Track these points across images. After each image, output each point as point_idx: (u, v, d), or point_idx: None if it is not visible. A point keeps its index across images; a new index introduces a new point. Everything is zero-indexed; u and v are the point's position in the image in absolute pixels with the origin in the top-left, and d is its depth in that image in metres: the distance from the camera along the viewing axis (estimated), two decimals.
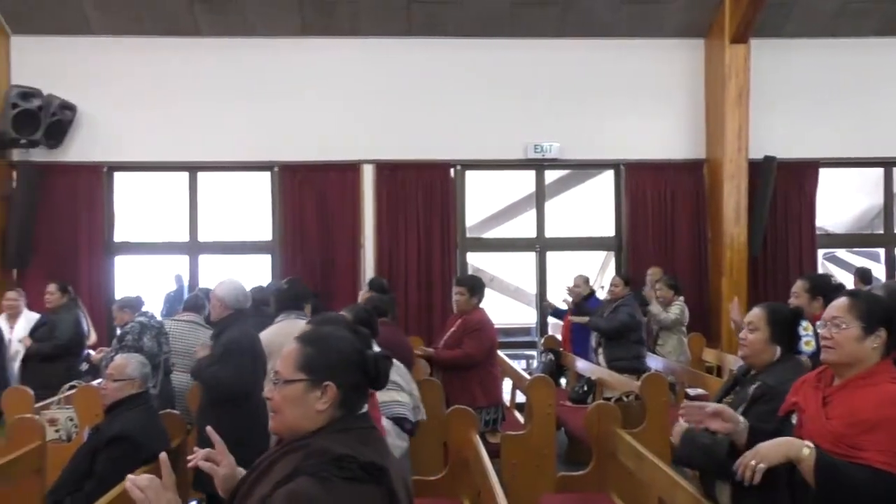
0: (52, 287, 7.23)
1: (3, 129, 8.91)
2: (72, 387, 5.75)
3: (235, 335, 4.53)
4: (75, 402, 5.36)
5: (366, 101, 9.48)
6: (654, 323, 7.96)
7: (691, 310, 8.37)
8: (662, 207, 9.72)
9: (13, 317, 7.34)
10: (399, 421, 3.33)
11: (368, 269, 9.44)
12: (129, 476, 2.00)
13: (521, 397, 7.21)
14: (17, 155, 9.31)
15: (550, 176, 10.38)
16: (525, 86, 9.62)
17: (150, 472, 3.99)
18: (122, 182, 9.84)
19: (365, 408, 2.05)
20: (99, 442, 4.06)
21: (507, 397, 7.69)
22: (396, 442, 3.34)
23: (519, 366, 8.13)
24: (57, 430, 5.20)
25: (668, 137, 9.77)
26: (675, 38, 9.71)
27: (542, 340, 8.87)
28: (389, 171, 9.56)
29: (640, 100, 9.73)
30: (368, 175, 9.57)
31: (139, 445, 4.01)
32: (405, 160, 9.53)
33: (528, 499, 4.77)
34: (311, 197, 9.48)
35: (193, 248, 9.87)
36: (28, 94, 8.89)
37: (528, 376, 6.58)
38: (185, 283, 9.72)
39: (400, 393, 3.45)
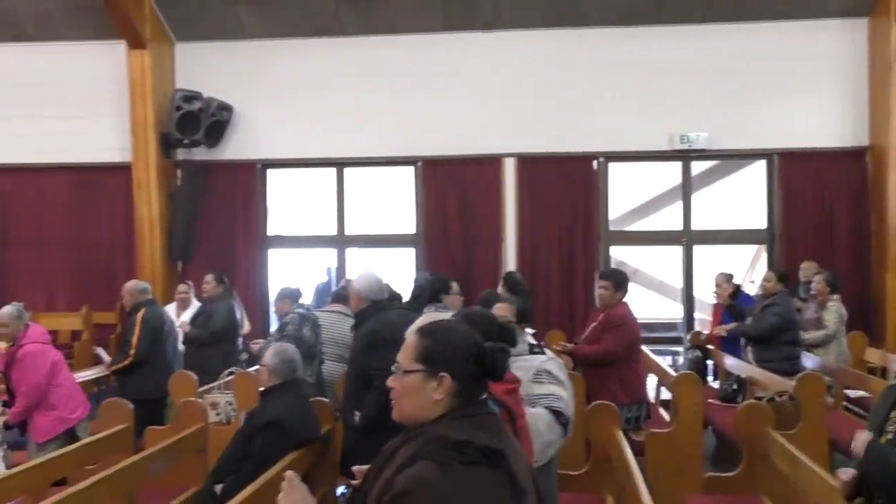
0: (208, 277, 7.64)
1: (168, 130, 9.55)
2: (230, 373, 6.08)
3: (376, 327, 4.62)
4: (234, 388, 5.66)
5: (507, 95, 9.50)
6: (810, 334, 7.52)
7: (851, 307, 7.90)
8: (820, 198, 9.22)
9: (183, 307, 7.82)
10: (556, 414, 3.35)
11: (510, 263, 9.46)
12: (289, 473, 2.14)
13: (666, 394, 7.03)
14: (181, 154, 9.93)
15: (698, 167, 10.05)
16: (671, 74, 9.36)
17: (301, 456, 4.19)
18: (275, 178, 10.30)
19: (483, 395, 2.09)
20: (254, 426, 4.27)
21: (651, 394, 7.52)
22: (548, 437, 3.35)
23: (664, 362, 7.93)
24: (218, 414, 5.50)
25: (826, 124, 9.24)
26: (833, 19, 9.17)
27: (689, 336, 8.61)
28: (531, 165, 9.53)
29: (795, 85, 9.26)
30: (510, 168, 9.59)
31: (291, 430, 4.19)
32: (547, 153, 9.48)
33: (673, 499, 4.65)
34: (453, 191, 9.60)
35: (340, 241, 10.20)
36: (190, 97, 9.46)
37: (673, 373, 6.41)
38: (334, 276, 10.08)
39: (560, 387, 3.46)
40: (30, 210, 10.26)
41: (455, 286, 6.96)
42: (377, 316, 4.74)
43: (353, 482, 2.31)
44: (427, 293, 6.98)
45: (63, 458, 4.34)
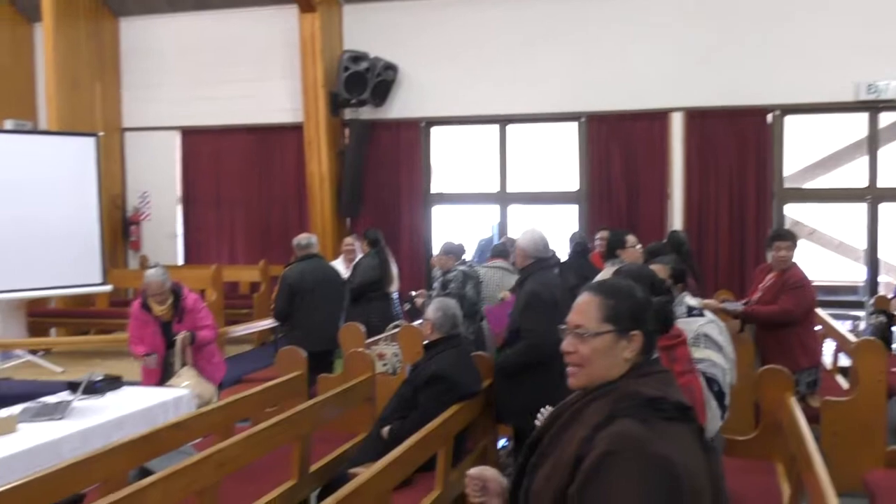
0: (350, 239, 7.96)
1: (337, 90, 9.86)
2: (396, 326, 6.27)
3: (536, 288, 4.61)
4: (400, 340, 5.84)
5: (674, 46, 9.12)
6: None
7: None
8: None
9: (350, 260, 8.11)
10: (709, 382, 3.20)
11: (675, 221, 9.17)
12: (471, 472, 2.16)
13: (844, 361, 6.64)
14: (348, 114, 10.24)
15: (886, 119, 9.29)
16: (856, 16, 8.65)
17: (463, 409, 4.28)
18: (438, 136, 10.43)
19: (656, 353, 2.05)
20: (418, 379, 4.40)
21: (827, 360, 7.11)
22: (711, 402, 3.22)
23: (843, 327, 7.47)
24: (384, 364, 5.70)
25: None
26: None
27: (873, 300, 8.05)
28: (700, 119, 9.14)
29: None
30: (677, 123, 9.24)
31: (455, 384, 4.29)
32: (717, 107, 9.05)
33: (851, 471, 4.40)
34: (617, 147, 9.38)
35: (503, 198, 10.23)
36: (357, 57, 9.72)
37: (853, 338, 6.03)
38: (496, 232, 10.15)
39: (717, 353, 3.30)
40: (211, 169, 10.96)
41: (631, 239, 6.79)
42: (539, 275, 4.72)
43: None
44: (581, 249, 6.92)
45: (246, 399, 4.65)
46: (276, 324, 7.67)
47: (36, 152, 8.49)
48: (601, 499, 1.77)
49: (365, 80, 9.74)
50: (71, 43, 10.08)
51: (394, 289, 7.67)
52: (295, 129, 10.26)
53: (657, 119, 9.25)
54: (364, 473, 3.21)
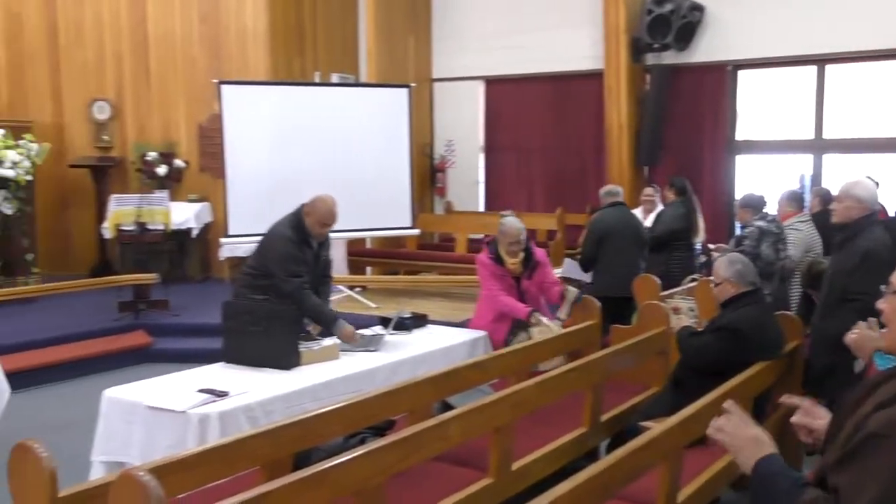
0: (649, 189, 7.66)
1: (639, 35, 9.61)
2: (693, 279, 6.07)
3: (870, 245, 4.22)
4: (696, 294, 5.66)
5: None
6: None
7: None
8: None
9: (648, 211, 7.96)
10: None
11: None
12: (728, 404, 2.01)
13: None
14: (650, 59, 9.94)
15: None
16: None
17: (763, 371, 4.06)
18: (746, 80, 9.80)
19: None
20: (709, 328, 4.28)
21: None
22: None
23: None
24: (679, 318, 5.56)
25: None
26: None
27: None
28: None
29: None
30: None
31: (746, 339, 4.06)
32: None
33: None
34: None
35: (818, 146, 9.42)
36: None
37: None
38: (807, 183, 9.38)
39: None
40: (511, 118, 11.24)
41: None
42: (869, 231, 4.31)
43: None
44: None
45: (541, 345, 4.79)
46: (579, 276, 7.75)
47: (357, 103, 9.24)
48: (853, 478, 1.63)
49: (669, 23, 9.38)
50: None
51: (699, 240, 7.45)
52: (594, 77, 10.18)
53: None
54: (656, 427, 3.19)
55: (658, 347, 4.84)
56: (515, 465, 3.54)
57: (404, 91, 9.40)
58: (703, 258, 7.53)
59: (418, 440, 3.02)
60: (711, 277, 4.60)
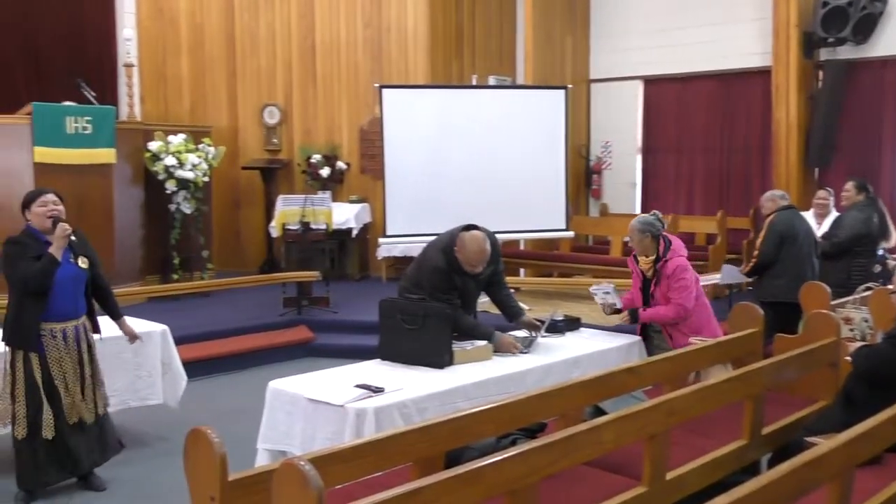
0: (848, 185, 7.17)
1: (812, 29, 9.10)
2: (867, 288, 5.69)
3: None
4: (870, 304, 5.30)
5: None
6: None
7: None
8: None
9: (822, 215, 7.52)
10: None
11: None
12: None
13: None
14: (823, 54, 9.41)
15: None
16: None
17: None
18: None
19: None
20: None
21: None
22: None
23: None
24: (851, 329, 5.22)
25: None
26: None
27: None
28: None
29: None
30: None
31: None
32: None
33: None
34: None
35: None
36: None
37: None
38: None
39: None
40: (671, 118, 10.95)
41: None
42: None
43: None
44: None
45: (699, 352, 4.64)
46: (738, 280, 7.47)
47: (513, 105, 9.26)
48: None
49: (846, 16, 8.84)
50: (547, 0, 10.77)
51: (889, 244, 7.03)
52: (761, 74, 9.76)
53: None
54: (825, 444, 3.01)
55: (827, 359, 4.56)
56: (670, 475, 3.45)
57: (561, 92, 9.34)
58: (877, 267, 7.06)
59: (571, 444, 2.99)
60: (889, 286, 4.30)
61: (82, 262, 4.49)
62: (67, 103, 8.40)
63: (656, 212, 5.45)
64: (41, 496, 4.55)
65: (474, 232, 4.68)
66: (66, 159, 8.07)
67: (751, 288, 6.99)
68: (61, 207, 4.46)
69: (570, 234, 9.87)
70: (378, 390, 3.84)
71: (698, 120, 10.71)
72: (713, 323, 5.30)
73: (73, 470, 4.60)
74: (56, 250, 4.30)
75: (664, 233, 5.25)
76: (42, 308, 4.37)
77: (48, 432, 4.41)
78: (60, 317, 4.43)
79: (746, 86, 10.16)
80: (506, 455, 2.73)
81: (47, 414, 4.41)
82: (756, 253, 6.58)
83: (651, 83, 11.16)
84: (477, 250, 4.63)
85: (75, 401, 4.50)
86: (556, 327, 5.17)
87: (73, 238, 4.46)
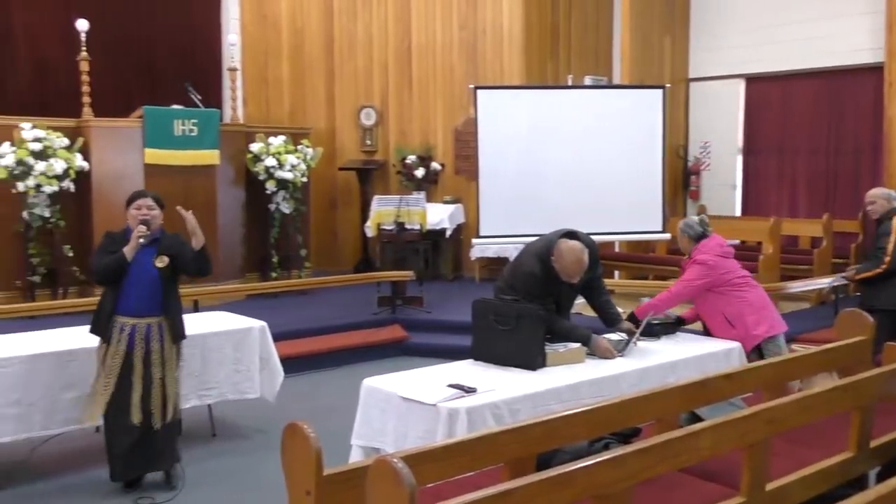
0: None
1: None
2: None
3: None
4: None
5: None
6: None
7: None
8: None
9: None
10: None
11: None
12: None
13: None
14: None
15: None
16: None
17: None
18: None
19: None
20: None
21: None
22: None
23: None
24: None
25: None
26: None
27: None
28: None
29: None
30: None
31: None
32: None
33: None
34: None
35: None
36: None
37: None
38: None
39: None
40: (775, 117, 10.61)
41: None
42: None
43: None
44: None
45: (801, 359, 4.47)
46: (839, 282, 7.17)
47: (609, 105, 9.13)
48: None
49: None
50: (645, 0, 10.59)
51: None
52: (872, 71, 9.34)
53: None
54: None
55: None
56: (770, 486, 3.34)
57: (659, 92, 9.16)
58: None
59: (667, 449, 2.94)
60: None
61: (159, 262, 4.55)
62: (175, 106, 8.74)
63: (703, 215, 5.75)
64: (138, 487, 4.65)
65: (572, 242, 4.61)
66: (173, 160, 8.39)
67: (858, 294, 6.67)
68: (155, 212, 4.58)
69: (667, 236, 9.66)
70: (471, 390, 3.85)
71: (803, 119, 10.34)
72: (748, 319, 5.19)
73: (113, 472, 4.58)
74: (129, 250, 4.45)
75: (713, 234, 5.49)
76: (115, 300, 4.52)
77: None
78: (131, 312, 4.52)
79: (855, 83, 9.76)
80: (599, 458, 2.70)
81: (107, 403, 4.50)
82: (888, 259, 6.24)
83: (753, 82, 10.84)
84: (574, 261, 4.58)
85: (134, 400, 4.48)
86: (652, 331, 5.07)
87: (157, 238, 4.56)
